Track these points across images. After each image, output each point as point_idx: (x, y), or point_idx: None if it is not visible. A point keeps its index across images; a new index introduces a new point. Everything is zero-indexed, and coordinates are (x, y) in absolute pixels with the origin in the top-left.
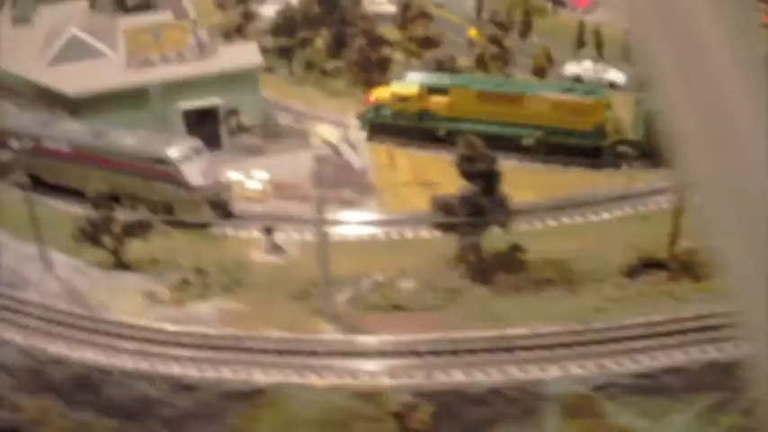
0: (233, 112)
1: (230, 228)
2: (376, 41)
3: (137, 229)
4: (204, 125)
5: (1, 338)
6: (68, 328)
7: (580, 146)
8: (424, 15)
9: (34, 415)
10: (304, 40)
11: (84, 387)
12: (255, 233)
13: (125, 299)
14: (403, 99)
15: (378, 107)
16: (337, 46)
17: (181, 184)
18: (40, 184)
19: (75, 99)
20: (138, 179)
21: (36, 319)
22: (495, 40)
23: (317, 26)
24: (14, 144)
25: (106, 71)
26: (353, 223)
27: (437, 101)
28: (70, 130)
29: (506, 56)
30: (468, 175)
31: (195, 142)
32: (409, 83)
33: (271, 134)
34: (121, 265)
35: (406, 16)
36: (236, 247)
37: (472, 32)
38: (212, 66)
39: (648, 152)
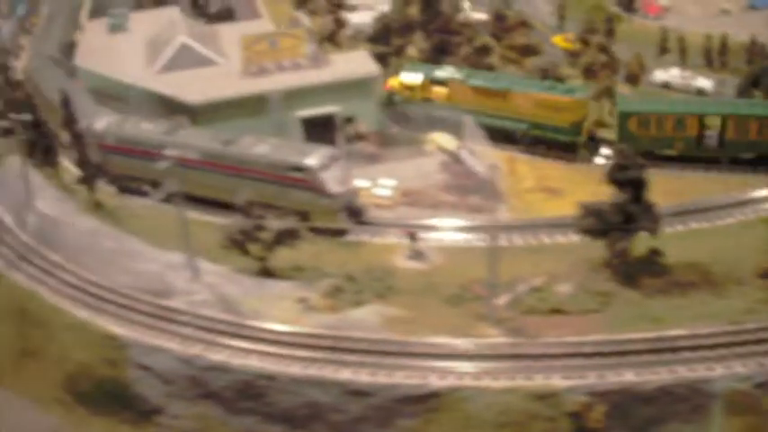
0: (350, 119)
1: (366, 234)
2: (481, 50)
3: (286, 238)
4: (321, 132)
5: (155, 346)
6: (225, 335)
7: (558, 140)
8: (523, 24)
9: (193, 422)
10: (399, 48)
11: (246, 394)
12: (392, 239)
13: (278, 306)
14: (409, 88)
15: (391, 94)
16: (437, 53)
17: (320, 191)
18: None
19: (195, 107)
20: (273, 187)
21: (189, 326)
22: (603, 49)
23: (412, 34)
24: (166, 155)
25: (221, 79)
26: (519, 227)
27: (438, 91)
28: (197, 138)
29: (614, 64)
30: (618, 183)
31: (332, 150)
32: (416, 74)
33: (385, 141)
34: (267, 272)
35: (503, 25)
36: (377, 253)
37: (557, 40)
38: (329, 74)
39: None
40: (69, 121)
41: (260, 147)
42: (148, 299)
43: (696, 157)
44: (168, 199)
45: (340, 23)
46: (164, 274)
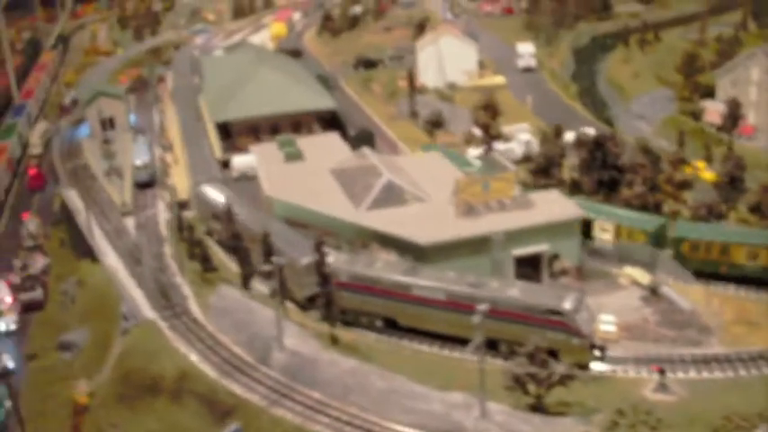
0: (555, 256)
1: (605, 367)
2: (654, 187)
3: (564, 378)
4: (526, 268)
5: None
6: None
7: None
8: (681, 161)
9: None
10: (560, 181)
11: None
12: (631, 373)
13: None
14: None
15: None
16: (606, 187)
17: (575, 333)
18: (393, 326)
19: (425, 247)
20: (524, 326)
21: None
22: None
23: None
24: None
25: (436, 218)
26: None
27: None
28: (441, 280)
29: None
30: None
31: (580, 293)
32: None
33: (584, 275)
34: (539, 408)
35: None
36: (624, 386)
37: (700, 165)
38: (543, 216)
39: None
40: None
41: (511, 290)
42: None
43: None
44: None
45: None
46: (449, 413)
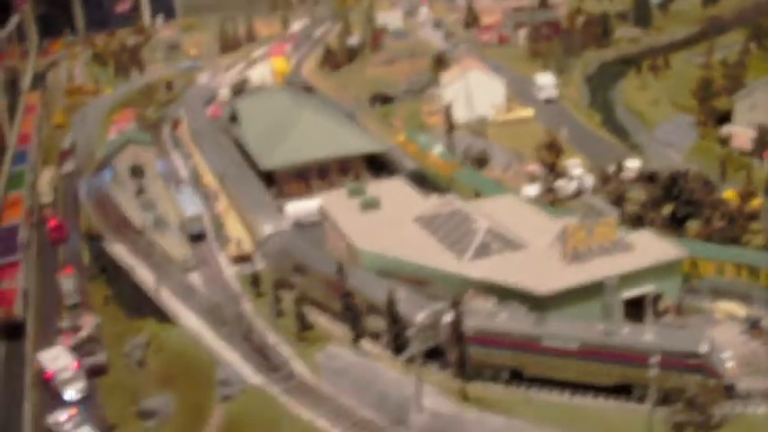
0: (659, 296)
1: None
2: (731, 220)
3: (722, 421)
4: (630, 309)
5: None
6: None
7: None
8: (751, 193)
9: None
10: (627, 217)
11: None
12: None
13: None
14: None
15: None
16: (676, 222)
17: (712, 374)
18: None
19: (544, 297)
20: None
21: None
22: None
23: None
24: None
25: (544, 264)
26: None
27: None
28: (576, 329)
29: None
30: None
31: (711, 335)
32: None
33: (683, 312)
34: None
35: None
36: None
37: (729, 194)
38: (646, 258)
39: None
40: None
41: (645, 335)
42: None
43: None
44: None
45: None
46: None
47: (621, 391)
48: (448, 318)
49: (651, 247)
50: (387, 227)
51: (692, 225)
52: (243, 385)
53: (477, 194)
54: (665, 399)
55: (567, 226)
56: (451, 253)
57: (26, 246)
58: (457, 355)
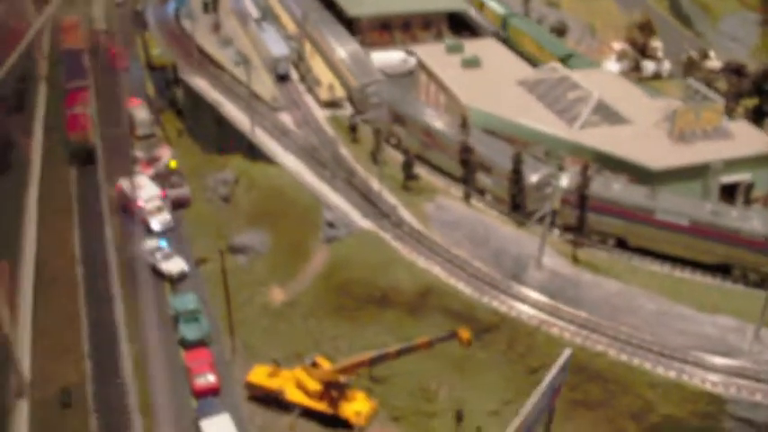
0: (751, 185)
1: None
2: None
3: None
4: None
5: (754, 402)
6: None
7: None
8: None
9: None
10: None
11: None
12: None
13: None
14: None
15: None
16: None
17: None
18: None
19: (655, 172)
20: (759, 253)
21: None
22: None
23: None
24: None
25: (653, 142)
26: None
27: None
28: (687, 206)
29: None
30: None
31: None
32: None
33: None
34: None
35: None
36: None
37: None
38: (748, 147)
39: None
40: (517, 178)
41: (753, 221)
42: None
43: None
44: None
45: None
46: (724, 336)
47: (720, 270)
48: (565, 181)
49: (750, 137)
50: (491, 86)
51: None
52: (351, 228)
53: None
54: (763, 282)
55: (677, 107)
56: (560, 119)
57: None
58: (577, 218)
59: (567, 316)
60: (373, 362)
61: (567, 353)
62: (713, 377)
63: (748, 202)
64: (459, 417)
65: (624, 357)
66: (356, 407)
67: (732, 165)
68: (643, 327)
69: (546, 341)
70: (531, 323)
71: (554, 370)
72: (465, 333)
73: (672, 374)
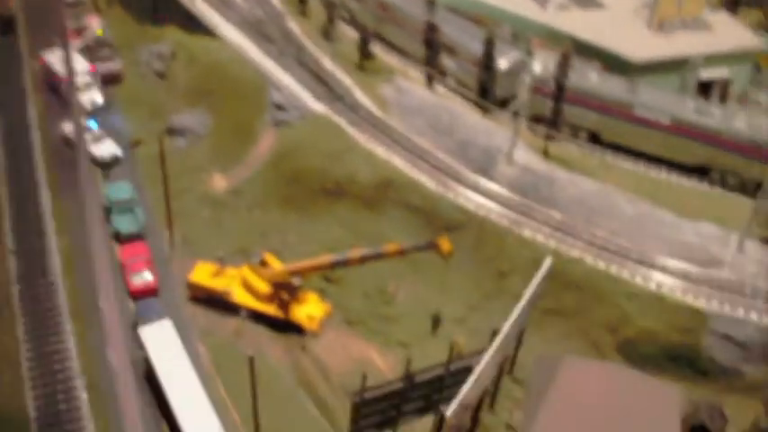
0: (727, 83)
1: None
2: None
3: None
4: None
5: (736, 318)
6: None
7: None
8: None
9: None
10: None
11: None
12: None
13: None
14: None
15: None
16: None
17: None
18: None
19: (634, 63)
20: (739, 157)
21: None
22: None
23: None
24: None
25: (631, 30)
26: None
27: None
28: (668, 102)
29: None
30: None
31: None
32: None
33: (745, 102)
34: None
35: None
36: None
37: None
38: (728, 42)
39: None
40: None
41: (736, 121)
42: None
43: None
44: None
45: None
46: (706, 246)
47: (696, 171)
48: (538, 67)
49: (730, 30)
50: None
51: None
52: (302, 111)
53: None
54: (742, 187)
55: None
56: (533, 1)
57: None
58: (551, 110)
59: (540, 217)
60: (333, 266)
61: (547, 262)
62: (694, 289)
63: (724, 99)
64: (435, 322)
65: (601, 265)
66: (308, 310)
67: (711, 60)
68: (621, 231)
69: (517, 243)
70: (501, 223)
71: (535, 281)
72: (446, 243)
73: (651, 286)
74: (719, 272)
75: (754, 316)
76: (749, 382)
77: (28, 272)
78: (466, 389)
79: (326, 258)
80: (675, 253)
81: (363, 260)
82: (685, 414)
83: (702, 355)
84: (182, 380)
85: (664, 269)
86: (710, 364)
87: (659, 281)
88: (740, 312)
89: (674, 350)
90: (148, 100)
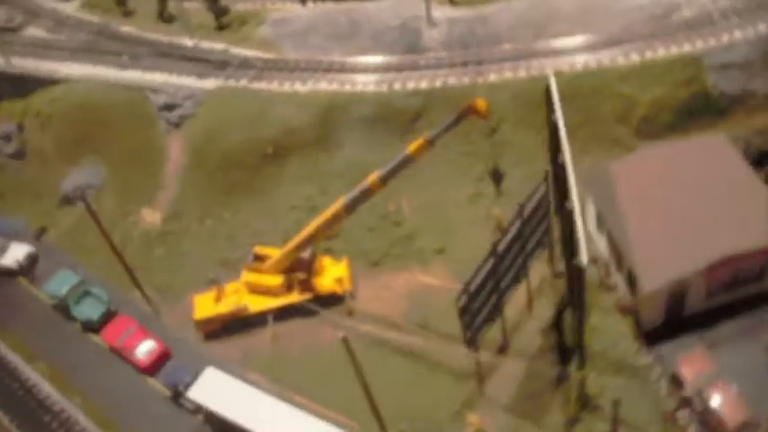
0: None
1: None
2: None
3: None
4: None
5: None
6: None
7: None
8: None
9: None
10: None
11: None
12: None
13: None
14: None
15: None
16: None
17: None
18: None
19: None
20: None
21: None
22: None
23: None
24: None
25: None
26: None
27: None
28: None
29: None
30: None
31: None
32: None
33: None
34: None
35: None
36: None
37: None
38: None
39: None
40: None
41: None
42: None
43: None
44: None
45: None
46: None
47: None
48: None
49: None
50: None
51: None
52: (195, 98)
53: None
54: None
55: None
56: None
57: None
58: None
59: (493, 56)
60: (348, 211)
61: (552, 82)
62: (673, 38)
63: None
64: (496, 178)
65: (578, 67)
66: (331, 274)
67: None
68: (575, 27)
69: (488, 93)
70: (462, 84)
71: (556, 105)
72: (480, 102)
73: (634, 57)
74: (682, 13)
75: (738, 35)
76: (761, 97)
77: None
78: (580, 234)
79: (335, 207)
80: (637, 17)
81: (385, 180)
82: (741, 152)
83: (713, 95)
84: (265, 412)
85: (636, 37)
86: (724, 100)
87: (640, 49)
88: (725, 39)
89: (687, 104)
90: (22, 185)
